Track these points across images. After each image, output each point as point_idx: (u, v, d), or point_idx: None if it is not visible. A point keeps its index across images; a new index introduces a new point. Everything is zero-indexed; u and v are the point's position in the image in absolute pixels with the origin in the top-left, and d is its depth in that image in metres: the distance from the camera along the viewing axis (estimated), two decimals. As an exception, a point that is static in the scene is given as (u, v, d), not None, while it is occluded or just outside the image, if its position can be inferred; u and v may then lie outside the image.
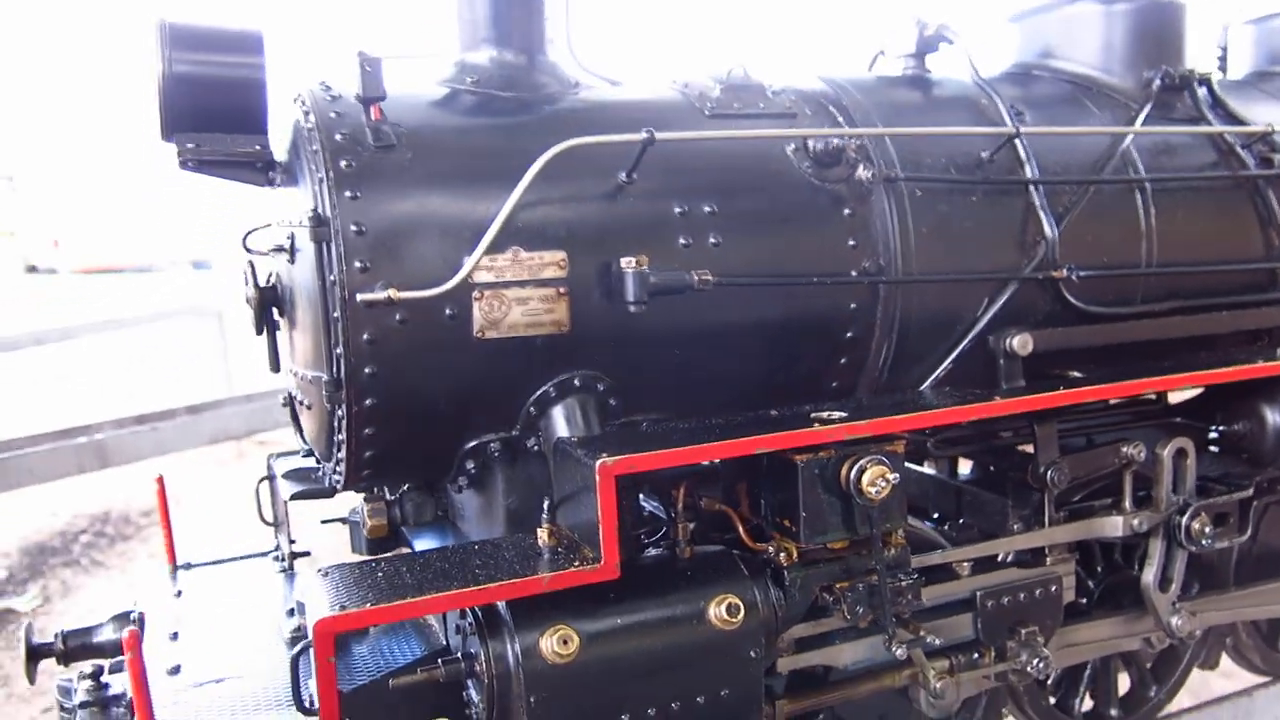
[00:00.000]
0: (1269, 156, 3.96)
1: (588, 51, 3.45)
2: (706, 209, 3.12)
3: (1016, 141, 3.54)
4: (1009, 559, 3.60)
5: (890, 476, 2.89)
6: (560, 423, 3.02)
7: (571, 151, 2.91)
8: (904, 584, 3.06)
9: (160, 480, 4.03)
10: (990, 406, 3.15)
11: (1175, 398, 4.30)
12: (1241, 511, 3.80)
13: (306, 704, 2.63)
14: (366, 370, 2.79)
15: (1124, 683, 4.25)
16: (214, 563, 4.13)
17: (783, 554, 3.00)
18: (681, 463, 2.74)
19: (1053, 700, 4.05)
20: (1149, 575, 3.70)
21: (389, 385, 2.83)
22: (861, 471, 2.89)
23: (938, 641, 3.19)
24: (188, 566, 4.09)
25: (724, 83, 3.41)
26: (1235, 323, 3.83)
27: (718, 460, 3.09)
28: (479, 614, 2.72)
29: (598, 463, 2.61)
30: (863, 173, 3.26)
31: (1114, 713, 4.08)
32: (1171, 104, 4.03)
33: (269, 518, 4.07)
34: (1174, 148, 3.89)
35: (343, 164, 2.79)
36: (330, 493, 3.30)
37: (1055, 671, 3.69)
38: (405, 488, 3.45)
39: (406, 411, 2.90)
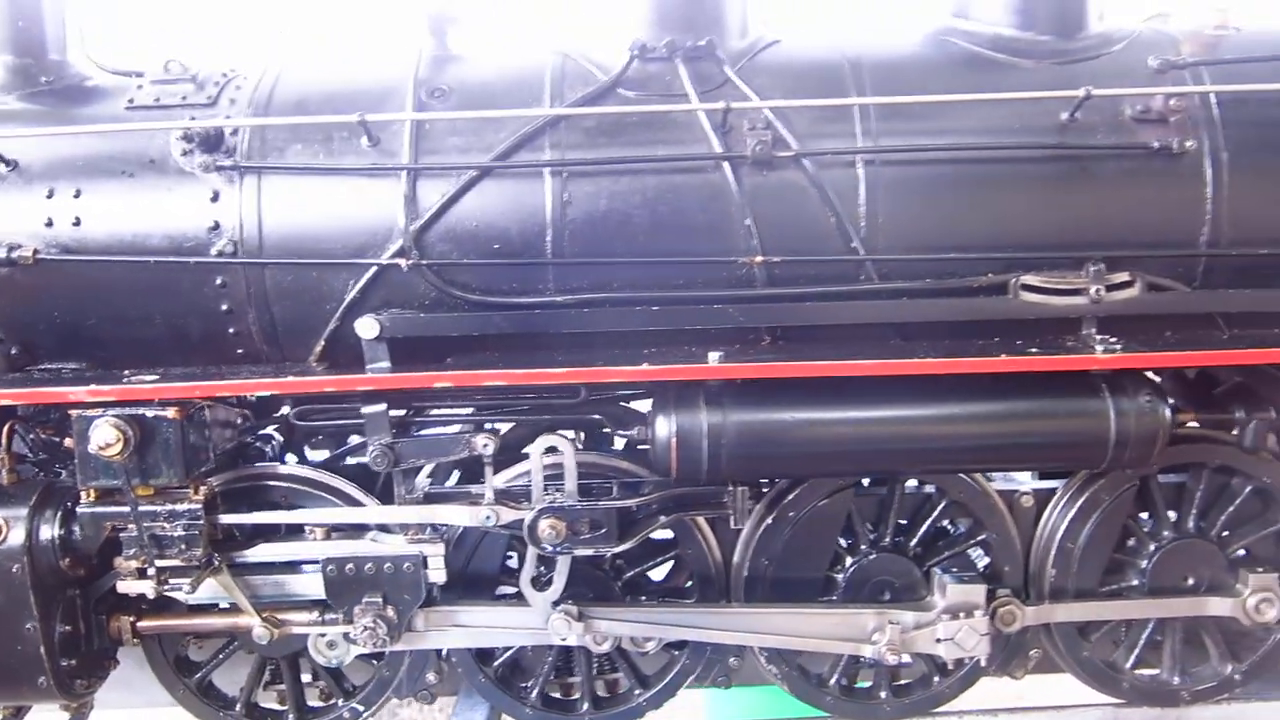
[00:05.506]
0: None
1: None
2: (74, 192, 3.63)
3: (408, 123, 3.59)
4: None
5: (110, 436, 3.29)
6: (-35, 366, 3.75)
7: (-35, 143, 3.63)
8: (176, 534, 3.45)
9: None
10: (214, 387, 3.39)
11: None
12: (623, 521, 3.53)
13: None
14: None
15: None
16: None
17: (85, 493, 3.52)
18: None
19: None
20: (525, 572, 3.62)
21: None
22: (95, 429, 3.32)
23: (185, 592, 3.51)
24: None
25: (159, 78, 3.84)
26: (672, 319, 3.51)
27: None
28: None
29: None
30: (196, 159, 3.56)
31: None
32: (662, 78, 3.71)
33: None
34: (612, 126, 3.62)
35: None
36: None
37: (411, 647, 3.76)
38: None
39: None
